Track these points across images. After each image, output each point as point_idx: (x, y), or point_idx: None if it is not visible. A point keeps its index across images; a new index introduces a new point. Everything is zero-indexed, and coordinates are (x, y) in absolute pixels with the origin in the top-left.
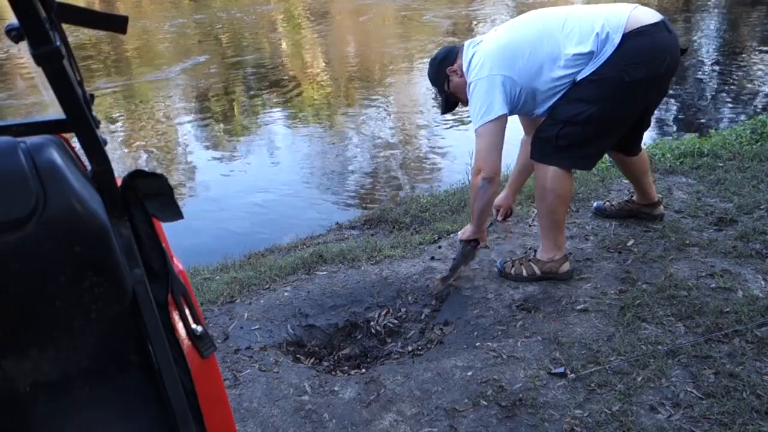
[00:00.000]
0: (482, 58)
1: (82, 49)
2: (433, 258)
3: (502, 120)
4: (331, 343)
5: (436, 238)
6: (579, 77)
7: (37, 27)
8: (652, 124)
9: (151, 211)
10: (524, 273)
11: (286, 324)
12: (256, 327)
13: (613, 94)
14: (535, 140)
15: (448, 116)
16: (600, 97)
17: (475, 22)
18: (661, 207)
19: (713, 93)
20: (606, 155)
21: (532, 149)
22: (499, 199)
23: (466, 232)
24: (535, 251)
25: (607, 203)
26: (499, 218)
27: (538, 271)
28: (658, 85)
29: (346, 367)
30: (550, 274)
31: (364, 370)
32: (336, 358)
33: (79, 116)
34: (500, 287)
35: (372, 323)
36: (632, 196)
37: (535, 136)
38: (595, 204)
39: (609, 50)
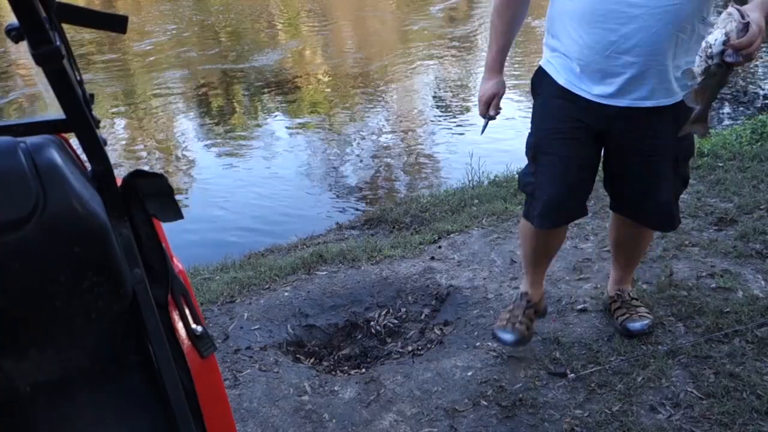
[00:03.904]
0: None
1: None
2: (433, 258)
3: None
4: (331, 343)
5: (436, 238)
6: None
7: (37, 27)
8: None
9: (151, 211)
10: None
11: (286, 324)
12: (256, 327)
13: None
14: (667, 208)
15: (447, 116)
16: None
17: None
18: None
19: None
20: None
21: (662, 222)
22: (492, 86)
23: None
24: (627, 293)
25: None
26: (492, 111)
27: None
28: None
29: (346, 367)
30: None
31: (364, 370)
32: (336, 358)
33: (79, 116)
34: (500, 287)
35: (372, 323)
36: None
37: (663, 205)
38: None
39: None
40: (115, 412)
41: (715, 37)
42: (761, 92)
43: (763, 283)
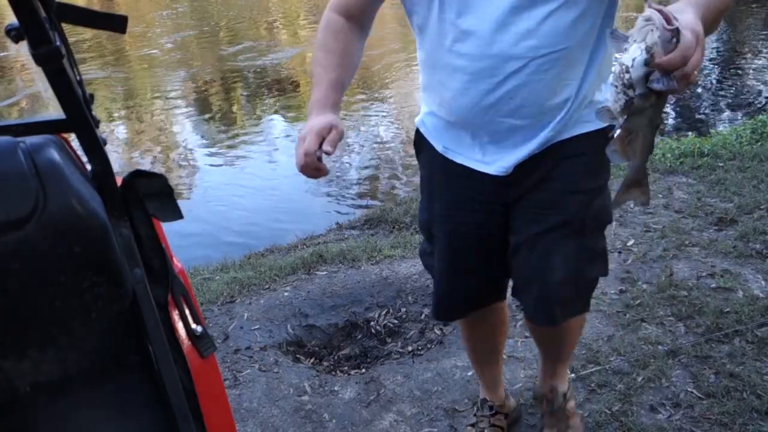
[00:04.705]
0: None
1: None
2: None
3: None
4: (331, 343)
5: None
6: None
7: (37, 27)
8: None
9: (151, 211)
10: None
11: (286, 324)
12: (256, 327)
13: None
14: (552, 292)
15: None
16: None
17: None
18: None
19: (713, 93)
20: None
21: (538, 311)
22: (323, 118)
23: None
24: (562, 395)
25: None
26: (328, 146)
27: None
28: None
29: (346, 367)
30: None
31: (364, 370)
32: (336, 358)
33: (78, 116)
34: None
35: (372, 323)
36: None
37: (549, 288)
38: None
39: None
40: (115, 412)
41: (632, 56)
42: (761, 92)
43: (763, 283)
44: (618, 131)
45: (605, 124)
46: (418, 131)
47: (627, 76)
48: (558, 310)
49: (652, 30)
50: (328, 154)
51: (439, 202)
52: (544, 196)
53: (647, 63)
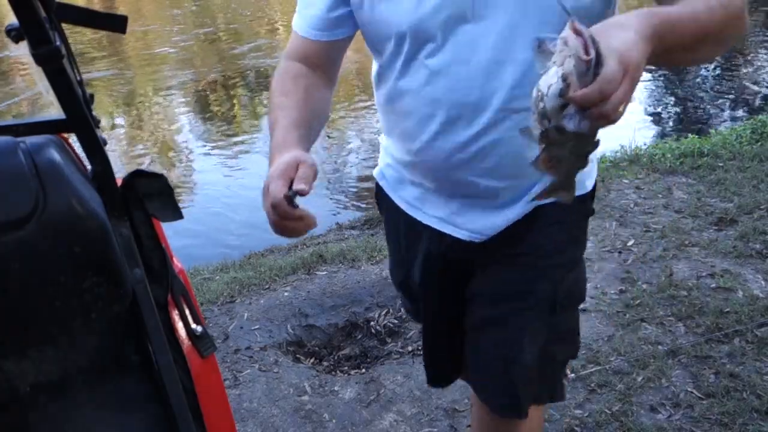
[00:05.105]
0: None
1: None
2: None
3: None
4: (331, 343)
5: None
6: None
7: (37, 27)
8: (652, 123)
9: (151, 211)
10: None
11: (286, 324)
12: (256, 327)
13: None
14: (517, 376)
15: None
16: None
17: None
18: None
19: (713, 93)
20: None
21: (501, 398)
22: (292, 155)
23: None
24: None
25: None
26: (302, 185)
27: None
28: None
29: (346, 367)
30: None
31: (364, 370)
32: (336, 358)
33: (78, 116)
34: None
35: (372, 323)
36: None
37: (515, 370)
38: None
39: None
40: (115, 412)
41: (549, 82)
42: (761, 92)
43: (763, 283)
44: (540, 155)
45: (585, 192)
46: (378, 184)
47: (542, 104)
48: (522, 394)
49: (569, 56)
50: (302, 194)
51: (401, 262)
52: (516, 273)
53: (562, 94)
